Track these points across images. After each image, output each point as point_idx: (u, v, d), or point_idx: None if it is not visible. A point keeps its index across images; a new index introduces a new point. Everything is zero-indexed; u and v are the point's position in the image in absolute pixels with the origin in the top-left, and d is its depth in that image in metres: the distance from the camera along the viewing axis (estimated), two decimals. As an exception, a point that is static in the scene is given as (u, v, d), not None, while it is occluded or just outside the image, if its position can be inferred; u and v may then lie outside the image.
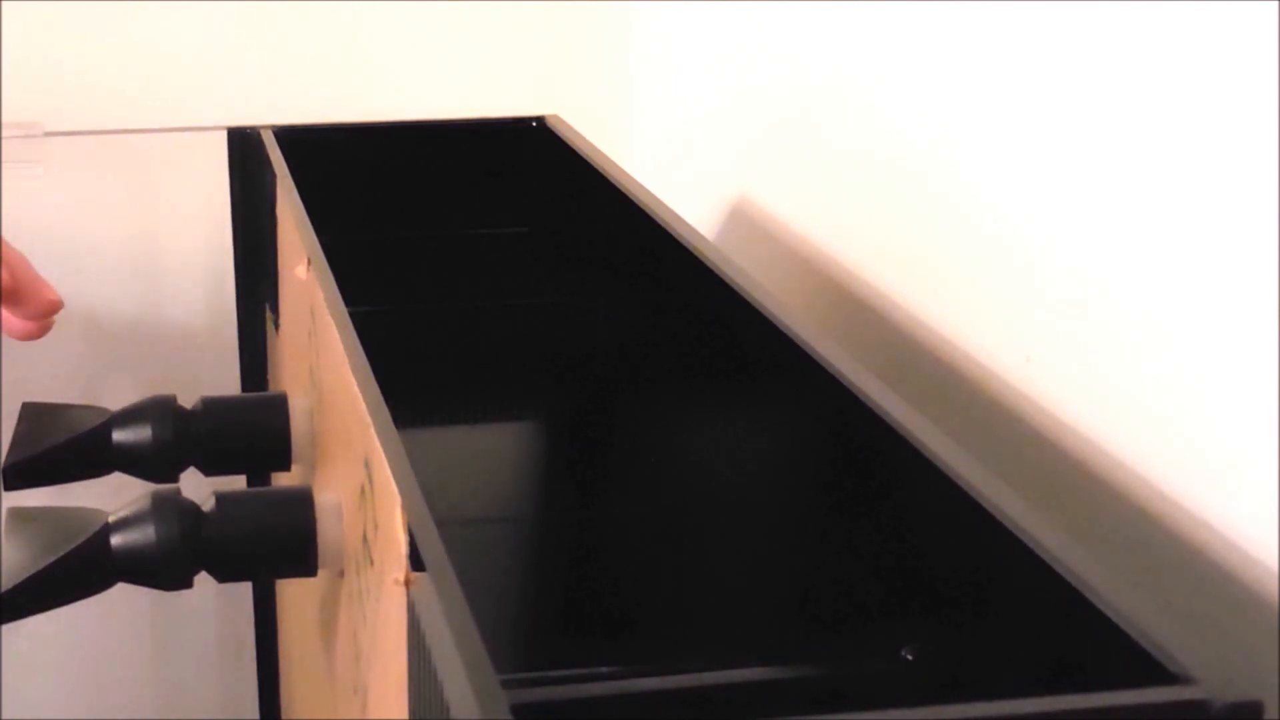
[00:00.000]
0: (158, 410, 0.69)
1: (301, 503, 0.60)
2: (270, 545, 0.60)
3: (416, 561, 0.45)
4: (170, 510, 0.59)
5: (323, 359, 0.66)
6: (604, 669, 0.60)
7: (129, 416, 0.69)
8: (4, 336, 0.97)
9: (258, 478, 0.92)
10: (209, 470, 0.70)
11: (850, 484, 0.61)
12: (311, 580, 0.63)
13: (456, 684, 0.39)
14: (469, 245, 1.00)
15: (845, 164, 0.90)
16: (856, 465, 0.60)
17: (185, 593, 0.61)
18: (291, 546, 0.60)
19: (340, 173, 0.98)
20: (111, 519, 0.60)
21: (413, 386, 0.66)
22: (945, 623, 0.54)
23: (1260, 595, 0.57)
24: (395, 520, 0.47)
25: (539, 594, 0.71)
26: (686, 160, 1.15)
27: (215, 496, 0.60)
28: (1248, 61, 0.57)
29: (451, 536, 0.46)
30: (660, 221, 0.78)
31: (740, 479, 0.72)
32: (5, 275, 0.85)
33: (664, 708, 0.51)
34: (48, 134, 1.13)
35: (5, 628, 0.64)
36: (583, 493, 0.80)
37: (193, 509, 0.60)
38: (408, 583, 0.45)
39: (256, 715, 1.11)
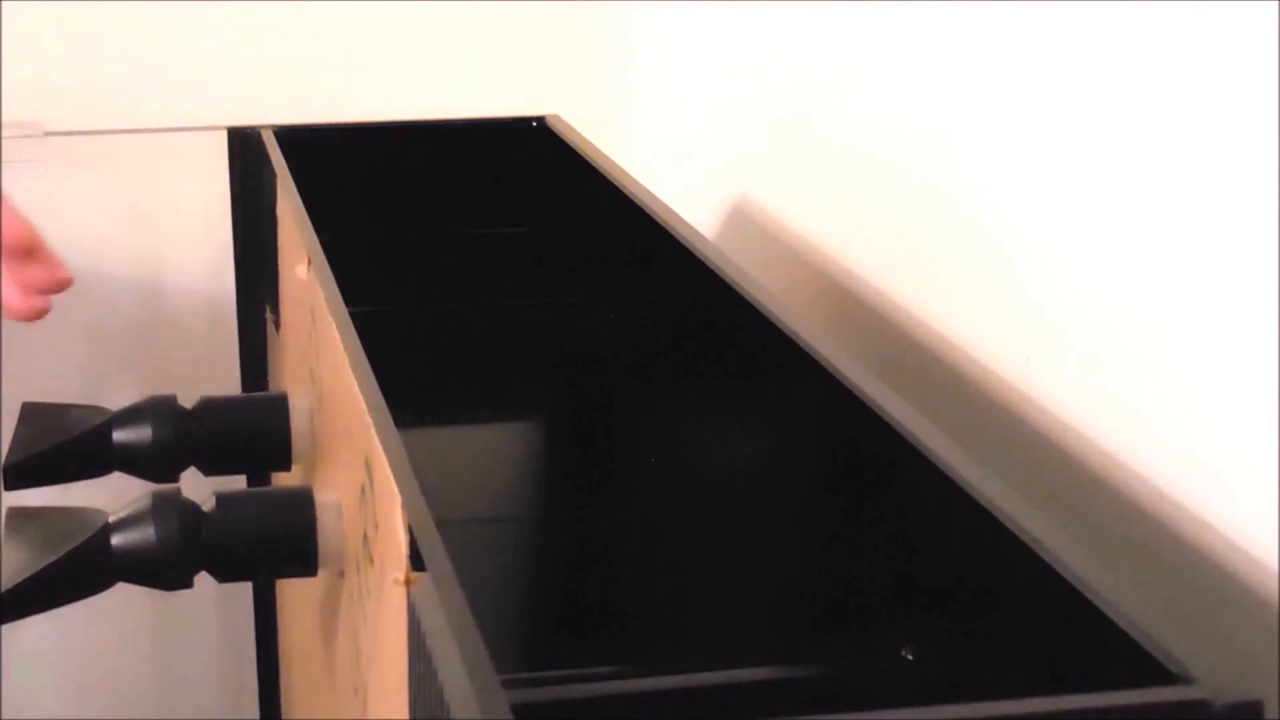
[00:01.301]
0: (158, 410, 0.69)
1: (301, 503, 0.60)
2: (270, 545, 0.60)
3: (417, 561, 0.45)
4: (170, 510, 0.59)
5: (323, 359, 0.66)
6: (604, 669, 0.60)
7: (129, 416, 0.69)
8: (5, 333, 0.97)
9: (258, 478, 0.92)
10: (209, 470, 0.70)
11: (850, 484, 0.61)
12: (311, 580, 0.63)
13: (457, 684, 0.39)
14: (469, 245, 1.00)
15: (845, 164, 0.90)
16: (856, 465, 0.60)
17: (185, 593, 0.61)
18: (291, 546, 0.60)
19: (340, 173, 0.98)
20: (111, 519, 0.60)
21: (413, 386, 0.66)
22: (945, 623, 0.54)
23: (1260, 595, 0.57)
24: (395, 520, 0.47)
25: (539, 594, 0.71)
26: (686, 160, 1.15)
27: (215, 496, 0.60)
28: (1248, 61, 0.57)
29: (451, 536, 0.46)
30: (660, 221, 0.78)
31: (740, 479, 0.72)
32: (21, 232, 0.83)
33: (664, 708, 0.51)
34: (48, 134, 1.13)
35: (5, 628, 0.64)
36: (583, 493, 0.80)
37: (193, 509, 0.60)
38: (408, 583, 0.45)
39: (256, 715, 1.11)
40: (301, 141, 0.93)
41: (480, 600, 0.43)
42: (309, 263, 0.70)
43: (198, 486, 0.63)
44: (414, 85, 1.20)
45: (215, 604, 1.27)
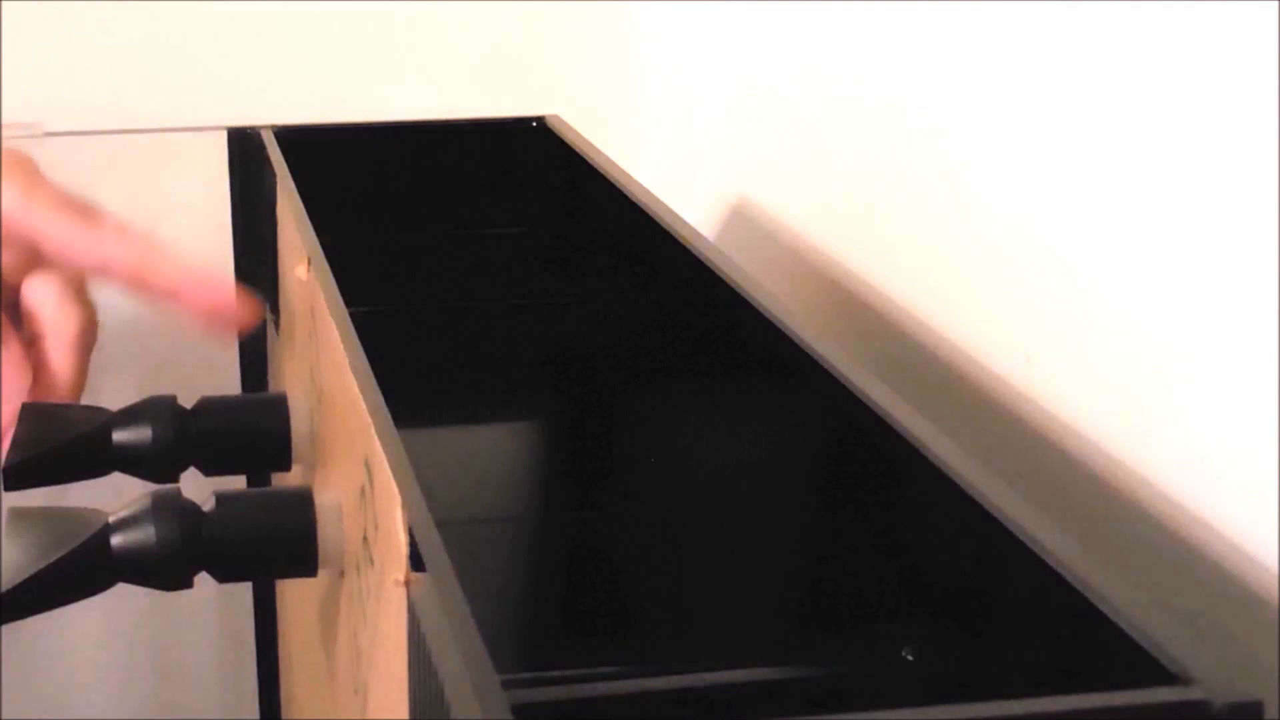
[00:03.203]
0: (158, 410, 0.69)
1: (301, 503, 0.60)
2: (270, 545, 0.60)
3: (417, 561, 0.45)
4: (170, 510, 0.59)
5: (323, 359, 0.66)
6: (604, 669, 0.60)
7: (129, 416, 0.69)
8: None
9: (258, 478, 0.92)
10: (209, 470, 0.70)
11: (850, 484, 0.61)
12: (311, 580, 0.63)
13: (457, 684, 0.39)
14: (469, 245, 1.00)
15: (846, 164, 0.90)
16: (857, 465, 0.60)
17: (185, 593, 0.61)
18: (291, 546, 0.60)
19: (340, 173, 0.98)
20: (111, 519, 0.60)
21: (413, 386, 0.66)
22: (945, 623, 0.54)
23: (1260, 595, 0.57)
24: (395, 520, 0.47)
25: (539, 594, 0.70)
26: (687, 160, 1.15)
27: (215, 496, 0.60)
28: (1248, 61, 0.57)
29: (451, 536, 0.46)
30: (660, 221, 0.78)
31: (740, 479, 0.72)
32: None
33: (664, 708, 0.51)
34: (48, 134, 1.13)
35: (5, 628, 0.64)
36: (583, 493, 0.80)
37: (193, 509, 0.60)
38: (408, 583, 0.45)
39: (256, 715, 1.11)
40: (301, 141, 0.93)
41: (480, 600, 0.43)
42: (309, 263, 0.70)
43: (198, 486, 0.63)
44: (414, 85, 1.20)
45: (215, 604, 1.27)
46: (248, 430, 0.70)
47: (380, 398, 0.54)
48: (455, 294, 0.97)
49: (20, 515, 0.60)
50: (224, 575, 0.61)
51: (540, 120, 1.00)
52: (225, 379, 1.05)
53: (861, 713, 0.40)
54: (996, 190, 0.74)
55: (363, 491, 0.54)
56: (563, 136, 0.96)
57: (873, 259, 0.86)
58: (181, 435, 0.69)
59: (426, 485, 0.48)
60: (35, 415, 0.70)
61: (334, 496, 0.60)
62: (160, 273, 0.78)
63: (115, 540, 0.59)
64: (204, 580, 0.61)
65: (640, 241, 0.80)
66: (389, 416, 0.53)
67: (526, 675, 0.58)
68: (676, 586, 0.68)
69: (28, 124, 1.13)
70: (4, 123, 1.11)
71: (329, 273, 0.67)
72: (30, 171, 0.79)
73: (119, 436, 0.69)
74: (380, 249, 0.99)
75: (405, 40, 1.19)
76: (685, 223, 0.78)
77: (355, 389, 0.56)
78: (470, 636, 0.41)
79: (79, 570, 0.59)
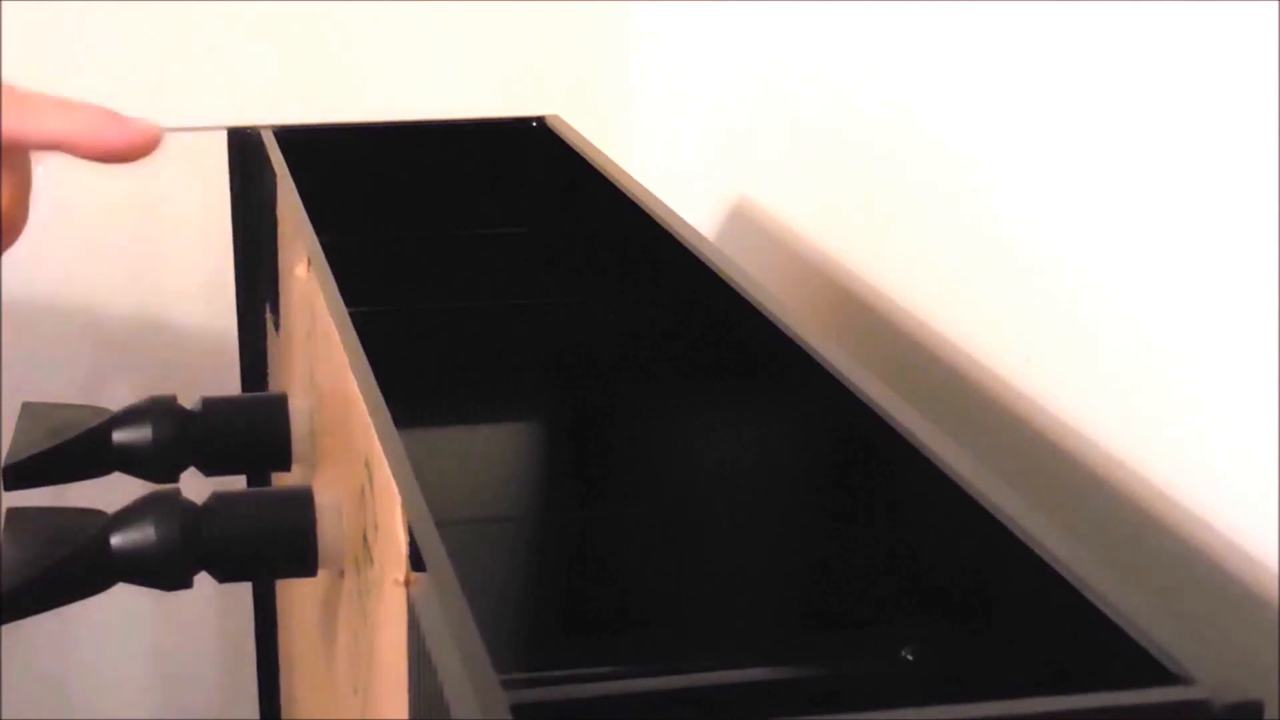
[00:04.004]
0: (158, 410, 0.69)
1: (301, 503, 0.60)
2: (270, 545, 0.60)
3: (416, 561, 0.45)
4: (170, 510, 0.59)
5: (323, 359, 0.66)
6: (604, 669, 0.60)
7: (129, 416, 0.69)
8: (5, 333, 0.96)
9: (258, 478, 0.92)
10: (209, 470, 0.70)
11: (850, 484, 0.61)
12: (311, 580, 0.63)
13: (456, 684, 0.39)
14: (469, 245, 1.00)
15: (845, 164, 0.90)
16: (857, 465, 0.60)
17: (185, 593, 0.61)
18: (291, 546, 0.60)
19: (340, 173, 0.98)
20: (111, 519, 0.60)
21: (413, 386, 0.66)
22: (945, 623, 0.54)
23: (1260, 595, 0.57)
24: (395, 520, 0.47)
25: (539, 594, 0.71)
26: (687, 160, 1.15)
27: (214, 496, 0.60)
28: (1248, 61, 0.57)
29: (451, 536, 0.46)
30: (660, 221, 0.78)
31: (741, 479, 0.72)
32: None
33: (664, 708, 0.51)
34: (48, 134, 1.13)
35: (5, 628, 0.64)
36: (583, 493, 0.80)
37: (192, 509, 0.60)
38: (408, 583, 0.45)
39: (256, 715, 1.11)
40: (301, 141, 0.93)
41: (480, 600, 0.43)
42: (309, 263, 0.70)
43: (198, 486, 0.63)
44: (414, 85, 1.20)
45: (215, 604, 1.27)
46: (248, 430, 0.70)
47: (380, 398, 0.54)
48: (455, 294, 0.97)
49: (20, 515, 0.60)
50: (224, 575, 0.61)
51: (540, 120, 1.00)
52: (225, 379, 1.05)
53: (861, 713, 0.40)
54: (997, 190, 0.74)
55: (363, 491, 0.54)
56: (563, 136, 0.96)
57: (873, 259, 0.87)
58: (181, 435, 0.69)
59: (426, 485, 0.48)
60: (35, 415, 0.70)
61: (334, 496, 0.60)
62: (38, 129, 0.72)
63: (115, 540, 0.59)
64: (204, 580, 0.61)
65: (640, 241, 0.80)
66: (389, 416, 0.53)
67: (526, 675, 0.58)
68: (676, 586, 0.68)
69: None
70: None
71: (329, 273, 0.67)
72: None
73: (119, 436, 0.69)
74: (380, 249, 0.99)
75: (405, 40, 1.19)
76: (685, 223, 0.78)
77: (355, 389, 0.56)
78: (470, 636, 0.41)
79: (79, 570, 0.59)
